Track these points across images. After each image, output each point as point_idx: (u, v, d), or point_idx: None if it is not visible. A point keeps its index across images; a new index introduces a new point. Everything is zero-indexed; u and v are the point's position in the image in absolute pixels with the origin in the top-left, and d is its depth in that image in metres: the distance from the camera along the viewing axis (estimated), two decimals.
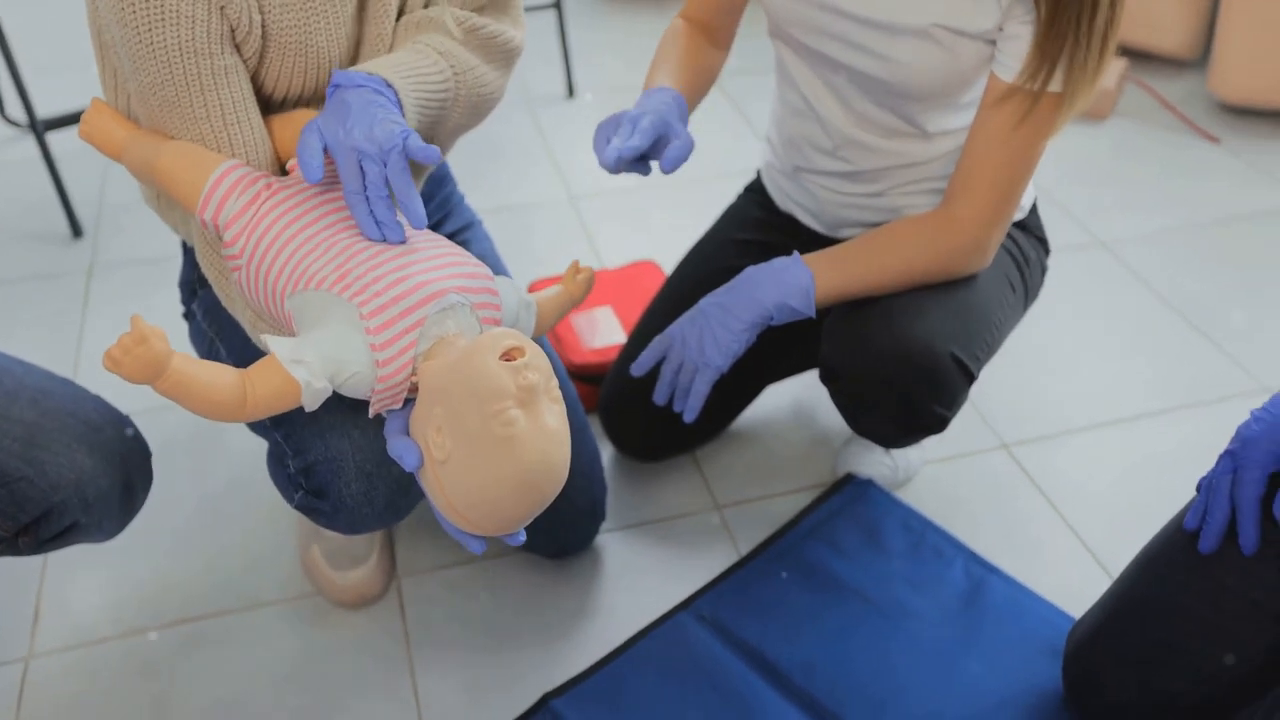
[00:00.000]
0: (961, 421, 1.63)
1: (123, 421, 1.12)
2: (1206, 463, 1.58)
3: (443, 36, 1.08)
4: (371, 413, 0.93)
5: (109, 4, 0.95)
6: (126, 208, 2.16)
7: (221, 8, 0.96)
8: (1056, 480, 1.56)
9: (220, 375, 0.85)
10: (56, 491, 1.03)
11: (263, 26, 1.00)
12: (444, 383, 0.87)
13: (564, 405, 0.88)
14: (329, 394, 0.89)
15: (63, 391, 1.10)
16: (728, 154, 2.28)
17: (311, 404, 0.88)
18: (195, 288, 1.27)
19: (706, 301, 1.25)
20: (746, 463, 1.58)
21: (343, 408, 1.06)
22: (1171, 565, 1.13)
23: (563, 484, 0.89)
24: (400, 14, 1.09)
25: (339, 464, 1.05)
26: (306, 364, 0.86)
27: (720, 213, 1.59)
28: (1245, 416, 1.66)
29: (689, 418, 1.25)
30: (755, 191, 1.55)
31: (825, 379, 1.27)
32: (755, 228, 1.51)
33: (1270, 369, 1.75)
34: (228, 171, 0.98)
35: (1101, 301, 1.89)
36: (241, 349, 1.16)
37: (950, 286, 1.25)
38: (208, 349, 1.23)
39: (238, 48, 1.00)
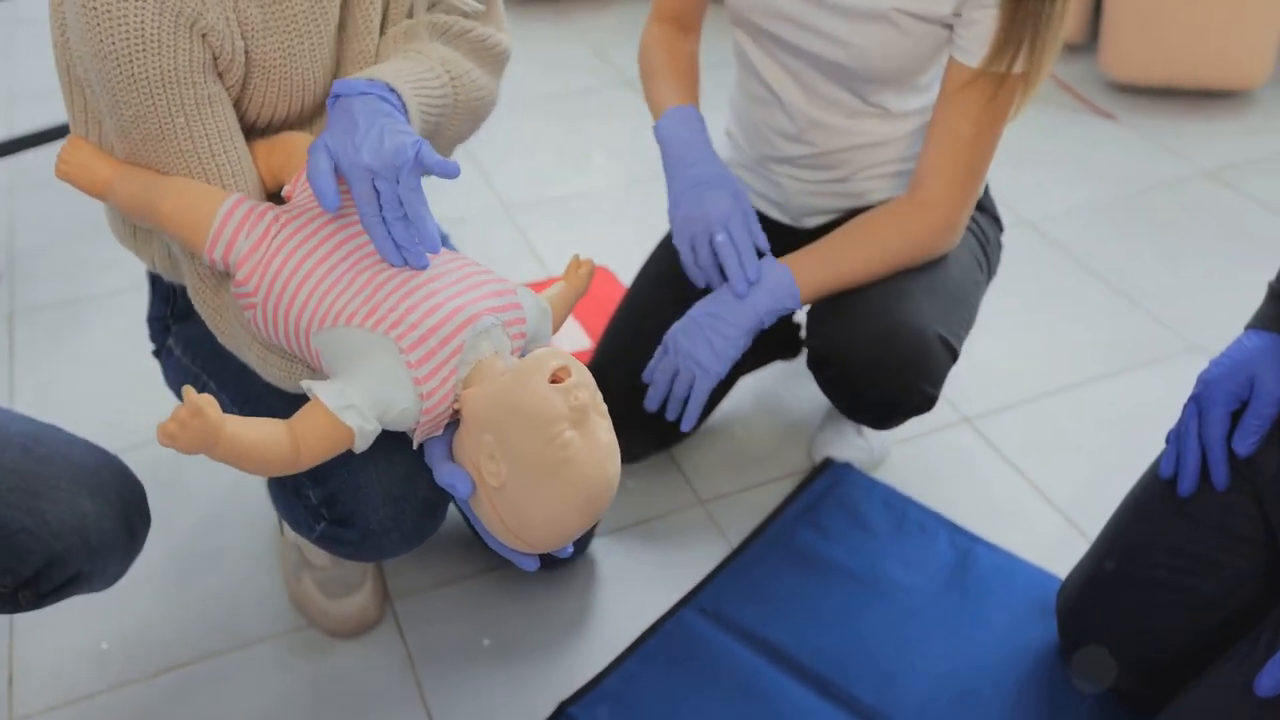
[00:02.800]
0: None
1: (116, 463, 1.07)
2: (1152, 419, 1.67)
3: (435, 43, 1.06)
4: (415, 443, 0.92)
5: (84, 37, 0.90)
6: (40, 249, 2.06)
7: (203, 35, 0.92)
8: (1019, 448, 1.62)
9: (271, 432, 0.84)
10: (59, 540, 0.98)
11: (245, 53, 0.97)
12: (492, 410, 0.86)
13: (609, 417, 0.89)
14: (378, 434, 0.88)
15: (52, 436, 1.05)
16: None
17: (362, 446, 0.87)
18: (168, 323, 1.23)
19: (698, 311, 1.26)
20: (722, 456, 1.60)
21: None
22: (1152, 513, 1.19)
23: (614, 493, 0.89)
24: (383, 30, 1.07)
25: (364, 491, 1.02)
26: (356, 408, 0.85)
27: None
28: (1180, 375, 1.77)
29: (687, 426, 1.26)
30: None
31: (814, 366, 1.30)
32: None
33: (1195, 328, 1.85)
34: (234, 208, 0.94)
35: (1035, 276, 1.97)
36: (238, 381, 1.12)
37: (927, 269, 1.29)
38: (192, 386, 1.18)
39: (220, 76, 0.97)
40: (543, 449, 0.84)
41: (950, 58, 1.22)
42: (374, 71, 0.98)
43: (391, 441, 1.04)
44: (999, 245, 1.47)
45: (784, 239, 1.46)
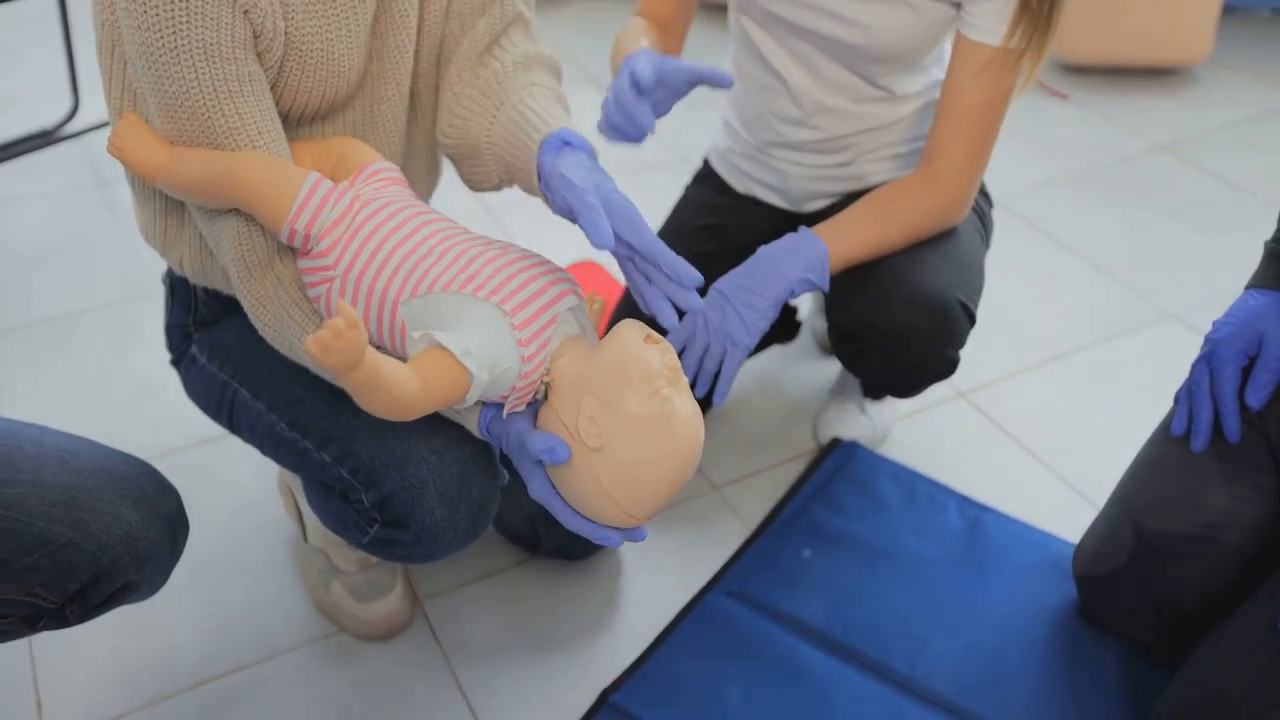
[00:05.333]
0: None
1: (153, 471, 1.05)
2: (1138, 384, 1.73)
3: (546, 73, 1.10)
4: (506, 412, 0.92)
5: (128, 9, 0.90)
6: (6, 270, 2.01)
7: (245, 11, 0.92)
8: (1014, 418, 1.67)
9: (401, 368, 0.83)
10: (106, 552, 0.97)
11: (285, 34, 0.97)
12: (590, 373, 0.88)
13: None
14: (485, 388, 0.88)
15: (87, 449, 1.03)
16: (632, 149, 2.31)
17: (472, 399, 0.87)
18: (190, 331, 1.21)
19: (724, 285, 1.27)
20: (731, 441, 1.62)
21: (413, 434, 1.03)
22: (1167, 469, 1.23)
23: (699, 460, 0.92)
24: (421, 20, 1.06)
25: (419, 492, 1.02)
26: (473, 355, 0.85)
27: (666, 205, 1.62)
28: (1159, 342, 1.83)
29: (719, 400, 1.27)
30: (708, 179, 1.59)
31: (841, 340, 1.32)
32: (717, 213, 1.54)
33: (1167, 296, 1.92)
34: (319, 181, 0.95)
35: (1010, 251, 2.02)
36: (273, 386, 1.10)
37: (938, 241, 1.32)
38: (219, 394, 1.17)
39: (259, 57, 0.96)
40: (644, 403, 0.86)
41: (962, 37, 1.25)
42: (565, 122, 1.01)
43: (444, 442, 1.04)
44: (990, 220, 1.51)
45: (786, 225, 1.48)
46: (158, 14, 0.89)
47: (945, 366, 1.31)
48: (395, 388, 0.82)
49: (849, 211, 1.30)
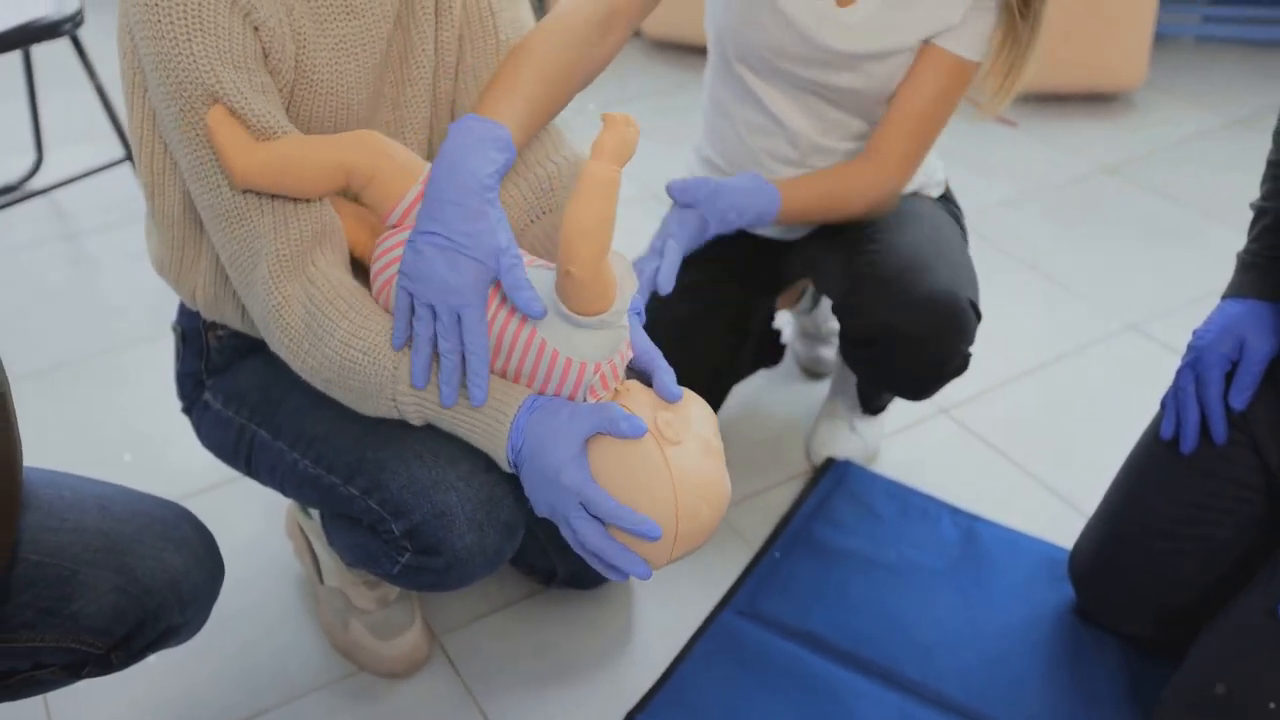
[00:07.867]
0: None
1: (188, 513, 1.06)
2: (1111, 393, 1.80)
3: None
4: (583, 397, 0.97)
5: (141, 22, 0.92)
6: None
7: (255, 28, 0.95)
8: (996, 431, 1.73)
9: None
10: (152, 596, 0.98)
11: (296, 59, 0.99)
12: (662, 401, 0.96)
13: None
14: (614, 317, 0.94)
15: (122, 495, 1.03)
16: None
17: (619, 307, 0.93)
18: (202, 377, 1.22)
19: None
20: (727, 465, 1.65)
21: (439, 462, 1.05)
22: (1158, 472, 1.29)
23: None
24: (435, 72, 1.10)
25: (449, 518, 1.04)
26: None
27: (639, 239, 1.65)
28: (1124, 352, 1.91)
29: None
30: None
31: (855, 346, 1.38)
32: (708, 243, 1.58)
33: (1127, 308, 2.00)
34: None
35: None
36: (293, 426, 1.11)
37: (938, 245, 1.39)
38: (236, 438, 1.17)
39: (270, 75, 0.98)
40: (714, 438, 0.95)
41: (935, 46, 1.32)
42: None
43: (470, 468, 1.06)
44: (965, 225, 1.59)
45: (770, 252, 1.54)
46: (171, 24, 0.91)
47: (961, 363, 1.37)
48: (611, 220, 0.90)
49: (806, 181, 1.36)
